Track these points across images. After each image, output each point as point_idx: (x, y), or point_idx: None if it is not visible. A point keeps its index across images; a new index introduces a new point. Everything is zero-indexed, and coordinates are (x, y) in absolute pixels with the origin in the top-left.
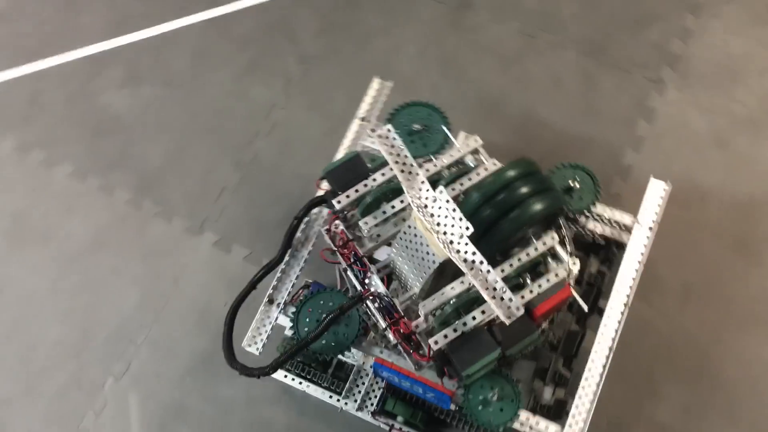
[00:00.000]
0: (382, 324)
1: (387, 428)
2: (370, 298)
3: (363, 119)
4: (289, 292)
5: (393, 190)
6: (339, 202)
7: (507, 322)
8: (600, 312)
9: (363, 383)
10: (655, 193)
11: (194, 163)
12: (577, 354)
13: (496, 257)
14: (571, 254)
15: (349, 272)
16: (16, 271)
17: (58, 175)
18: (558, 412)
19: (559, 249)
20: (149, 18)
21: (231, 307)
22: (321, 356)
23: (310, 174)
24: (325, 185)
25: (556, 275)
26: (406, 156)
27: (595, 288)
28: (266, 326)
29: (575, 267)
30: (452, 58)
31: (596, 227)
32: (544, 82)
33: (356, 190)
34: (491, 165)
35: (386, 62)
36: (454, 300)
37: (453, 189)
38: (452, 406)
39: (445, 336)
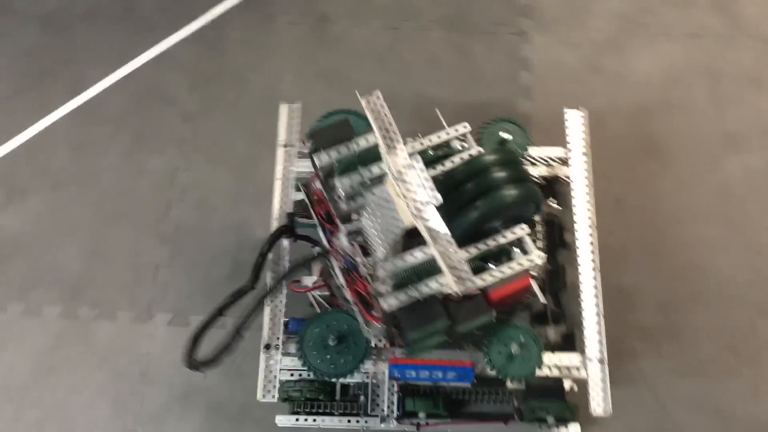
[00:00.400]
0: (342, 282)
1: (415, 428)
2: (335, 256)
3: (286, 146)
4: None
5: (373, 158)
6: (320, 159)
7: (458, 292)
8: (566, 245)
9: (377, 395)
10: (575, 121)
11: (116, 253)
12: (565, 287)
13: (466, 242)
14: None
15: (319, 230)
16: None
17: None
18: (568, 345)
19: (527, 240)
20: (8, 130)
21: (195, 331)
22: (336, 379)
23: (239, 221)
24: (310, 143)
25: (520, 264)
26: (390, 123)
27: (555, 225)
28: (274, 372)
29: (540, 260)
30: (331, 70)
31: (536, 170)
32: (423, 65)
33: (338, 151)
34: (475, 151)
35: (270, 95)
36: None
37: (434, 168)
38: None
39: (398, 299)
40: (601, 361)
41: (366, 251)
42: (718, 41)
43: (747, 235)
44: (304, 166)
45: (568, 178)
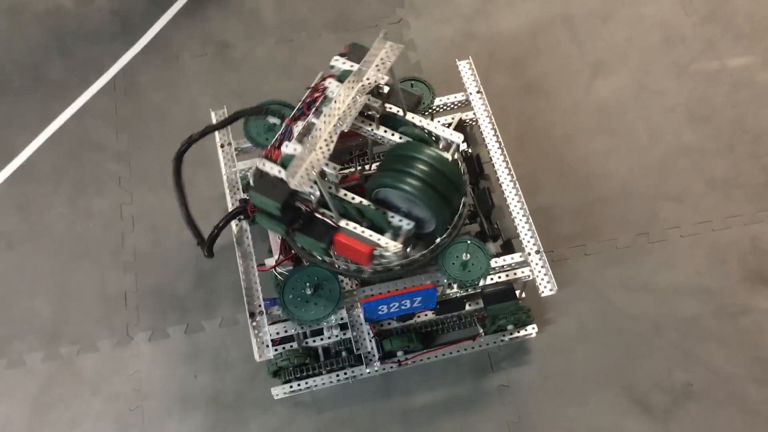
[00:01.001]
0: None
1: (397, 366)
2: (288, 124)
3: (222, 145)
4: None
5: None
6: (336, 61)
7: (290, 182)
8: (484, 176)
9: (358, 344)
10: (465, 69)
11: (84, 291)
12: (493, 206)
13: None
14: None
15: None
16: None
17: None
18: (508, 252)
19: (402, 233)
20: None
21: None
22: (317, 324)
23: (192, 237)
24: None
25: (378, 240)
26: (384, 63)
27: (474, 159)
28: (265, 333)
29: (392, 250)
30: (241, 88)
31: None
32: (323, 66)
33: (352, 64)
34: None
35: (191, 120)
36: None
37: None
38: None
39: (264, 164)
40: (538, 252)
41: None
42: None
43: (628, 140)
44: (243, 165)
45: (472, 120)
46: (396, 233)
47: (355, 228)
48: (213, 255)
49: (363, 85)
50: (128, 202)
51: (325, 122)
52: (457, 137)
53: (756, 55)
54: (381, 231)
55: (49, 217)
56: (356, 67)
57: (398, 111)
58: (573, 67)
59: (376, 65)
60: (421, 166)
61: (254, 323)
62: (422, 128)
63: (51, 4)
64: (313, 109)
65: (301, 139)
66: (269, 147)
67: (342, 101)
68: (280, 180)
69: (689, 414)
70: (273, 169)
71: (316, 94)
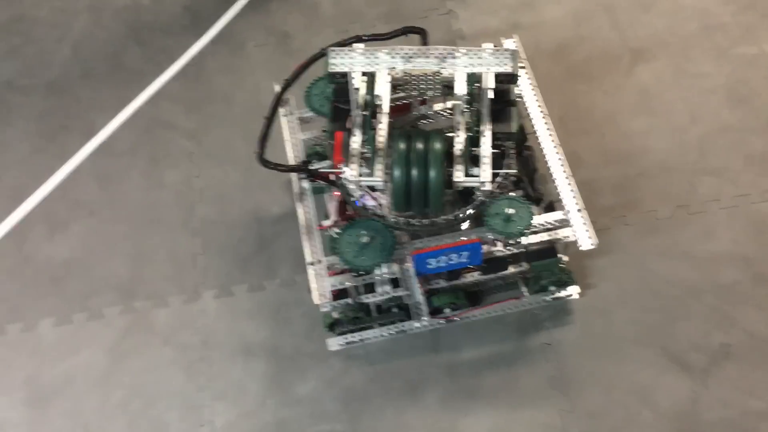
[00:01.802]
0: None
1: (444, 322)
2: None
3: (284, 115)
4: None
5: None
6: None
7: None
8: (527, 147)
9: (409, 292)
10: (511, 46)
11: (157, 253)
12: (537, 171)
13: None
14: None
15: None
16: (62, 425)
17: (44, 332)
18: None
19: None
20: (38, 178)
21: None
22: (372, 269)
23: (255, 206)
24: None
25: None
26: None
27: (519, 129)
28: (324, 279)
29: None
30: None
31: None
32: None
33: None
34: None
35: (255, 104)
36: None
37: None
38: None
39: None
40: (579, 210)
41: None
42: None
43: (668, 119)
44: (304, 136)
45: (518, 95)
46: (363, 174)
47: (354, 143)
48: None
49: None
50: (197, 175)
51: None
52: (487, 178)
53: None
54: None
55: (126, 188)
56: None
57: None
58: (614, 53)
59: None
60: (420, 158)
61: (314, 269)
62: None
63: (129, 0)
64: None
65: None
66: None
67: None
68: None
69: (727, 373)
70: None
71: None
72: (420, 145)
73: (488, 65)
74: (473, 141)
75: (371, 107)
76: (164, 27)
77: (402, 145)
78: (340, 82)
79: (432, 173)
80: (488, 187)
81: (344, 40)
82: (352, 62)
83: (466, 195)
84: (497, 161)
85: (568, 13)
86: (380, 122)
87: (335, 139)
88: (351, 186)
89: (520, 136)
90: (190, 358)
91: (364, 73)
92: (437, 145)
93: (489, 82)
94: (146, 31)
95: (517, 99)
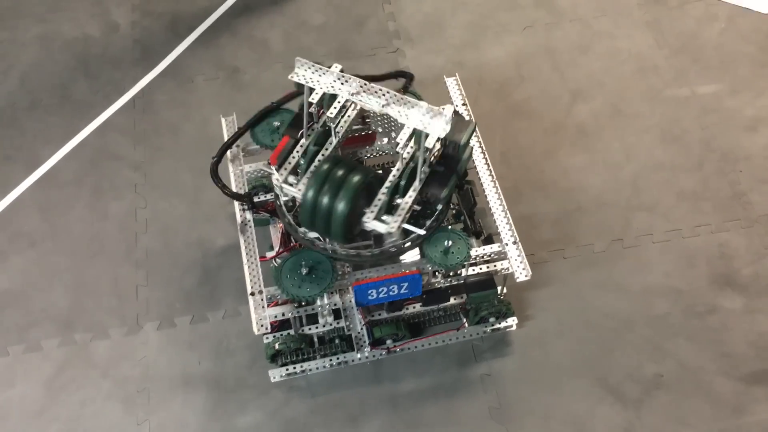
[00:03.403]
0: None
1: (385, 353)
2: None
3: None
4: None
5: None
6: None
7: None
8: (468, 182)
9: (350, 330)
10: (452, 84)
11: (98, 285)
12: (476, 204)
13: None
14: None
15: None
16: None
17: None
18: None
19: None
20: None
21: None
22: (308, 299)
23: (200, 238)
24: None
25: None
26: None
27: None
28: (264, 309)
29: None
30: (249, 108)
31: None
32: None
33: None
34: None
35: (203, 136)
36: None
37: None
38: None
39: None
40: (515, 243)
41: None
42: (547, 27)
43: (604, 157)
44: (249, 167)
45: None
46: (286, 180)
47: (297, 151)
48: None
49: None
50: (143, 206)
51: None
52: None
53: (723, 84)
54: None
55: (69, 219)
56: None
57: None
58: (554, 93)
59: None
60: (333, 188)
61: (254, 299)
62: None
63: (78, 32)
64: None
65: None
66: None
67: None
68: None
69: (659, 403)
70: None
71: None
72: (341, 173)
73: (433, 128)
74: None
75: (328, 126)
76: (113, 59)
77: (324, 167)
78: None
79: (340, 205)
80: (395, 237)
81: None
82: (312, 78)
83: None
84: (417, 218)
85: (510, 54)
86: (330, 143)
87: (282, 142)
88: (276, 191)
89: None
90: (129, 391)
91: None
92: (355, 179)
93: (428, 143)
94: (95, 63)
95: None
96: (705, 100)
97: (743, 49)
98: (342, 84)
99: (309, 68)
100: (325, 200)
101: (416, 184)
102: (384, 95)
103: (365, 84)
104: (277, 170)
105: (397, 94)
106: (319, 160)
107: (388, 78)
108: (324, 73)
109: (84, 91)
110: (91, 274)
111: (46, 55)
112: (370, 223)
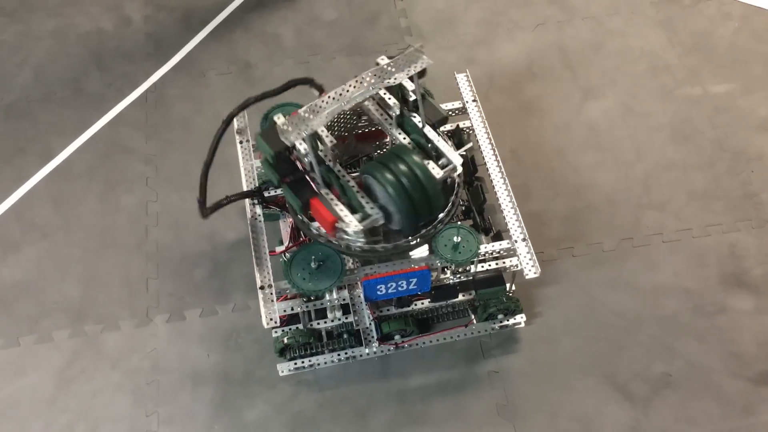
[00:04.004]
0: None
1: (393, 349)
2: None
3: (242, 142)
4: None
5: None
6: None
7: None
8: (477, 178)
9: (358, 324)
10: (463, 81)
11: (110, 277)
12: (485, 201)
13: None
14: None
15: None
16: None
17: None
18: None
19: (369, 217)
20: None
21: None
22: (316, 294)
23: (210, 231)
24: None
25: (339, 213)
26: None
27: (468, 160)
28: (273, 303)
29: (353, 228)
30: (262, 104)
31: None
32: (335, 85)
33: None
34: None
35: (214, 130)
36: None
37: None
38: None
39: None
40: (524, 240)
41: None
42: (559, 25)
43: (615, 155)
44: (259, 162)
45: (469, 128)
46: (364, 217)
47: (331, 199)
48: (208, 217)
49: (379, 76)
50: (153, 200)
51: (332, 97)
52: (457, 160)
53: (736, 83)
54: (354, 211)
55: (81, 211)
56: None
57: (419, 120)
58: (565, 91)
59: (405, 69)
60: (404, 169)
61: (263, 293)
62: (431, 141)
63: (92, 26)
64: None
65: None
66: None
67: (356, 84)
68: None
69: (667, 402)
70: (279, 120)
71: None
72: (395, 164)
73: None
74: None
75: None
76: (126, 53)
77: (380, 172)
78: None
79: (418, 172)
80: (459, 164)
81: (239, 107)
82: (302, 128)
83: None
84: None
85: (522, 51)
86: (342, 174)
87: (315, 206)
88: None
89: (471, 168)
90: (139, 382)
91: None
92: (406, 151)
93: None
94: (108, 56)
95: (468, 132)
96: (717, 100)
97: (757, 48)
98: (319, 113)
99: (295, 128)
100: (409, 183)
101: (422, 117)
102: (360, 84)
103: (337, 95)
104: (348, 226)
105: (365, 74)
106: (355, 186)
107: (286, 89)
108: (305, 122)
109: (97, 84)
110: (103, 266)
111: (59, 49)
112: (440, 172)
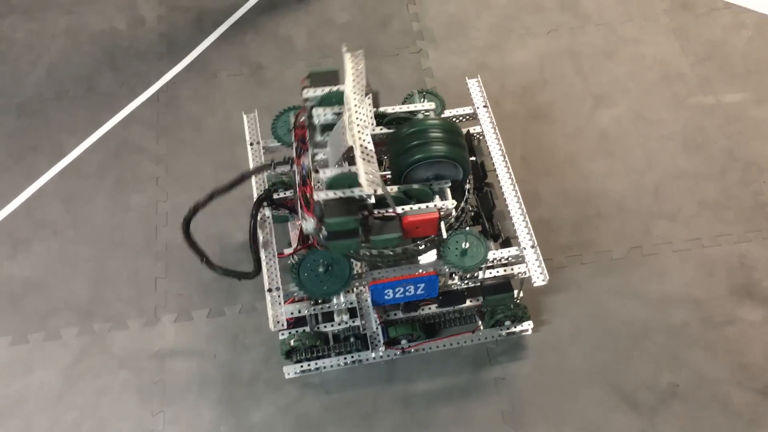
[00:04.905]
0: (297, 183)
1: (400, 353)
2: (297, 164)
3: (251, 144)
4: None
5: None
6: (308, 92)
7: (368, 190)
8: (487, 184)
9: (365, 329)
10: (474, 86)
11: (119, 275)
12: (494, 207)
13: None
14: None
15: (293, 148)
16: None
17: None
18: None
19: (447, 190)
20: (4, 197)
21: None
22: (324, 297)
23: (220, 232)
24: (307, 82)
25: (435, 205)
26: (362, 73)
27: (479, 166)
28: (281, 306)
29: (452, 205)
30: (272, 104)
31: None
32: None
33: (322, 89)
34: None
35: (225, 131)
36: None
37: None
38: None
39: (327, 194)
40: (533, 247)
41: None
42: (571, 31)
43: (626, 163)
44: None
45: (479, 134)
46: (442, 195)
47: (411, 208)
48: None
49: (362, 89)
50: (163, 200)
51: (352, 134)
52: (430, 105)
53: (749, 92)
54: (425, 200)
55: (91, 209)
56: (327, 89)
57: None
58: (577, 97)
59: (353, 76)
60: (435, 133)
61: (272, 295)
62: (404, 112)
63: (106, 25)
64: (308, 141)
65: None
66: (299, 188)
67: (354, 110)
68: (342, 200)
69: (674, 412)
70: (329, 195)
71: (303, 130)
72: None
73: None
74: None
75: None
76: (139, 53)
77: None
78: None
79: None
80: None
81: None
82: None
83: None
84: None
85: (534, 57)
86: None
87: (409, 220)
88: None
89: (481, 173)
90: (145, 381)
91: None
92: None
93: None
94: (121, 56)
95: (479, 138)
96: (730, 109)
97: None
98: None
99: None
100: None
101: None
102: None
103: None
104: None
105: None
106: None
107: (238, 184)
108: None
109: (109, 83)
110: (112, 265)
111: (73, 47)
112: None
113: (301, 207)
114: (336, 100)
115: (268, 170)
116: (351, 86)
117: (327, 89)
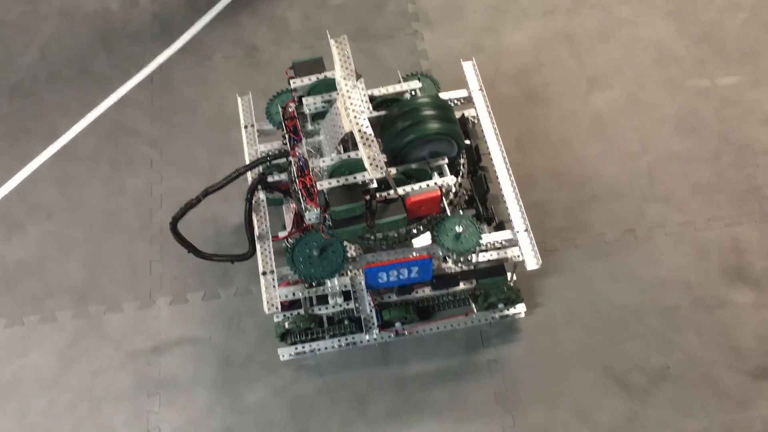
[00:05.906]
0: (296, 176)
1: (394, 336)
2: (293, 155)
3: (246, 126)
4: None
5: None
6: (295, 83)
7: (373, 175)
8: (481, 168)
9: (359, 312)
10: (469, 69)
11: (114, 258)
12: (488, 191)
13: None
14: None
15: (286, 139)
16: (7, 426)
17: None
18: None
19: (445, 167)
20: None
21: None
22: (318, 280)
23: (214, 215)
24: (291, 72)
25: (435, 183)
26: (349, 57)
27: (473, 150)
28: (275, 289)
29: (452, 181)
30: (267, 86)
31: None
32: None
33: (309, 78)
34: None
35: (220, 114)
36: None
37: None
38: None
39: (330, 183)
40: (526, 230)
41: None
42: (567, 13)
43: (620, 146)
44: (264, 147)
45: (474, 117)
46: (440, 172)
47: (412, 188)
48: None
49: (353, 75)
50: (158, 182)
51: (349, 120)
52: (415, 84)
53: (744, 75)
54: (425, 179)
55: (86, 192)
56: (314, 78)
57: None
58: (572, 80)
59: (341, 62)
60: (425, 111)
61: (266, 279)
62: (392, 93)
63: (99, 6)
64: (301, 131)
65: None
66: (299, 179)
67: (347, 96)
68: (345, 187)
69: (665, 393)
70: (332, 183)
71: (293, 121)
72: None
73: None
74: None
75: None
76: (133, 34)
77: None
78: None
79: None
80: None
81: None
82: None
83: None
84: None
85: (529, 39)
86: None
87: (412, 200)
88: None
89: (475, 157)
90: (141, 363)
91: None
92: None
93: None
94: (115, 37)
95: (473, 121)
96: (725, 92)
97: (766, 40)
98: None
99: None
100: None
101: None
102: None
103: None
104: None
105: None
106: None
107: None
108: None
109: (103, 64)
110: (106, 248)
111: (66, 28)
112: None
113: (303, 198)
114: (324, 87)
115: (262, 164)
116: (340, 72)
117: (314, 77)
